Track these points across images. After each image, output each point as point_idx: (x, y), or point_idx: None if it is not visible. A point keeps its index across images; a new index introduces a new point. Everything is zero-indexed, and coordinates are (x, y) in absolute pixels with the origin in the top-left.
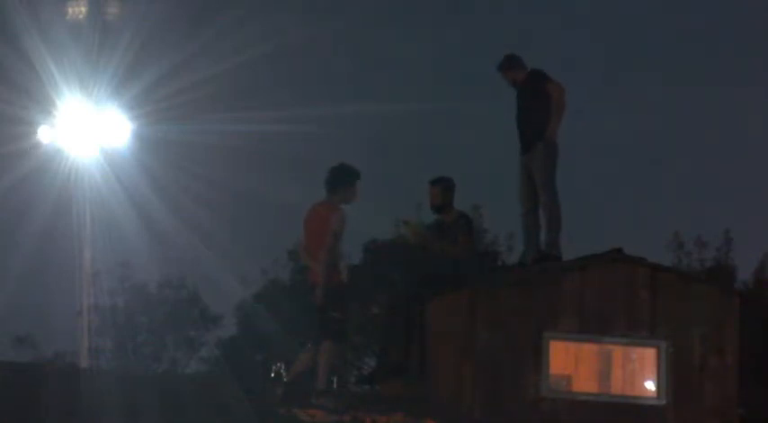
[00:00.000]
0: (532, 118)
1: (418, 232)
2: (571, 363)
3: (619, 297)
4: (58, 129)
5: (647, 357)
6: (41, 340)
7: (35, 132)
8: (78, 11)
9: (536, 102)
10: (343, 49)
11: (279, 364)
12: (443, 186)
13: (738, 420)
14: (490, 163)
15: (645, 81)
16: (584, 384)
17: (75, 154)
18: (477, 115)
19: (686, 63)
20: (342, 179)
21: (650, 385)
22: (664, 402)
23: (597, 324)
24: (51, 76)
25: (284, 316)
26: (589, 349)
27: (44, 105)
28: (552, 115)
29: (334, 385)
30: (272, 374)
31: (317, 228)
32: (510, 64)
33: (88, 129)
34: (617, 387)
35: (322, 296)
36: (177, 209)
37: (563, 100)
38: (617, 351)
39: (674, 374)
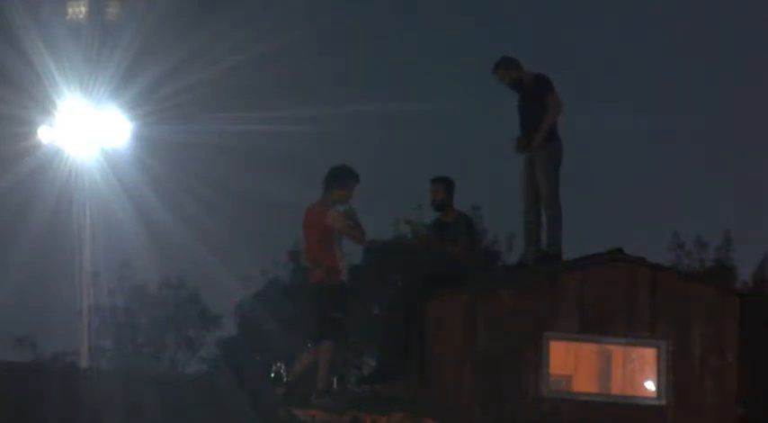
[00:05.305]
0: (534, 119)
1: (420, 231)
2: (571, 363)
3: (619, 297)
4: (58, 129)
5: (647, 357)
6: (41, 340)
7: (35, 132)
8: (78, 11)
9: (536, 107)
10: (343, 48)
11: (279, 364)
12: (445, 184)
13: (738, 420)
14: (490, 163)
15: (645, 80)
16: (585, 384)
17: (75, 154)
18: (477, 115)
19: (685, 62)
20: (339, 179)
21: (650, 385)
22: (664, 402)
23: (597, 324)
24: (51, 76)
25: (284, 316)
26: (589, 349)
27: (44, 105)
28: (542, 124)
29: (335, 385)
30: (272, 374)
31: (315, 229)
32: (509, 64)
33: (88, 129)
34: (617, 387)
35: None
36: (177, 209)
37: (556, 116)
38: (617, 351)
39: (674, 374)
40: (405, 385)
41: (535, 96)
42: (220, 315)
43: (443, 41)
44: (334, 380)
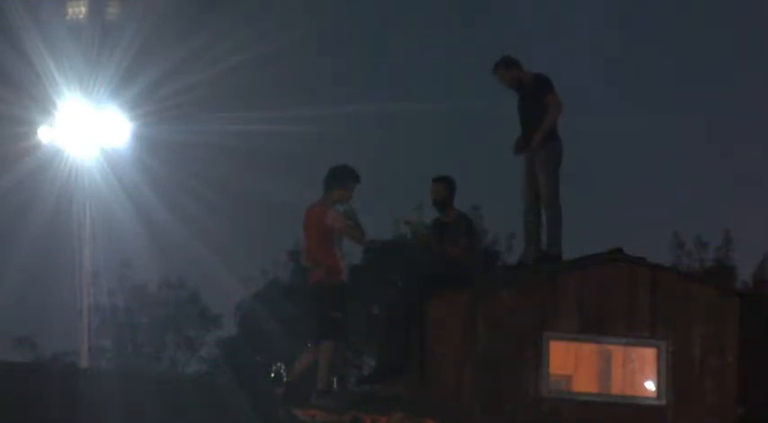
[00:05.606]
0: (534, 119)
1: (420, 232)
2: (571, 363)
3: (619, 297)
4: (58, 129)
5: (647, 357)
6: (41, 340)
7: (35, 132)
8: (78, 11)
9: (536, 107)
10: (344, 48)
11: (279, 364)
12: (446, 184)
13: (738, 420)
14: (490, 163)
15: (645, 80)
16: (585, 384)
17: (75, 154)
18: (478, 115)
19: (685, 63)
20: (339, 179)
21: (650, 385)
22: (664, 402)
23: (597, 324)
24: (51, 76)
25: (284, 316)
26: (589, 349)
27: (44, 105)
28: (542, 124)
29: (335, 385)
30: (272, 374)
31: (315, 229)
32: (510, 64)
33: (88, 129)
34: (617, 387)
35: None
36: (177, 209)
37: (556, 116)
38: (617, 351)
39: (674, 374)
40: (405, 385)
41: (535, 96)
42: (220, 315)
43: (443, 41)
44: (334, 380)
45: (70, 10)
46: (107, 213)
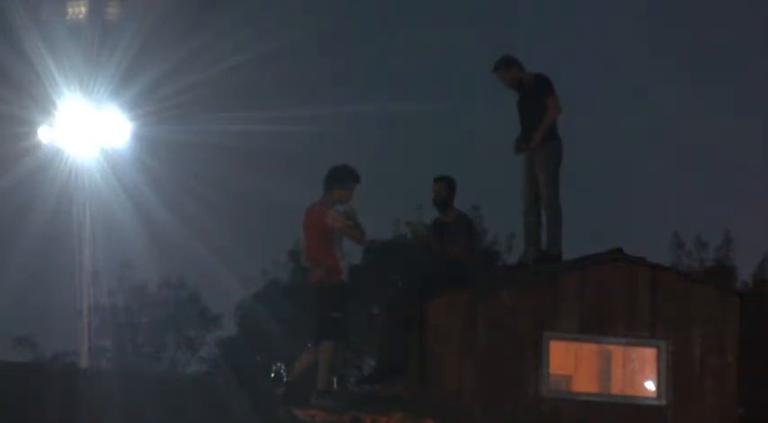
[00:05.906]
0: (534, 119)
1: (420, 232)
2: (571, 363)
3: (619, 297)
4: (58, 129)
5: (647, 357)
6: (41, 340)
7: (35, 132)
8: (78, 11)
9: (536, 107)
10: (344, 48)
11: (279, 364)
12: (447, 183)
13: (738, 420)
14: (490, 163)
15: (645, 80)
16: (585, 384)
17: (75, 154)
18: (478, 115)
19: (686, 63)
20: (339, 179)
21: (650, 385)
22: (664, 402)
23: (597, 324)
24: (51, 76)
25: (284, 316)
26: (589, 349)
27: (44, 105)
28: (541, 124)
29: (335, 385)
30: (272, 374)
31: (315, 229)
32: (510, 63)
33: (88, 129)
34: (617, 387)
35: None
36: (177, 209)
37: (555, 116)
38: (617, 351)
39: (674, 374)
40: (405, 385)
41: (535, 96)
42: (220, 315)
43: (443, 41)
44: (334, 380)
45: (70, 10)
46: (107, 213)
